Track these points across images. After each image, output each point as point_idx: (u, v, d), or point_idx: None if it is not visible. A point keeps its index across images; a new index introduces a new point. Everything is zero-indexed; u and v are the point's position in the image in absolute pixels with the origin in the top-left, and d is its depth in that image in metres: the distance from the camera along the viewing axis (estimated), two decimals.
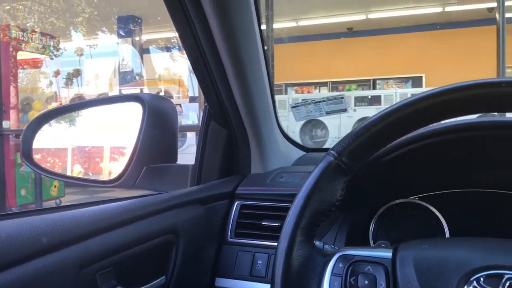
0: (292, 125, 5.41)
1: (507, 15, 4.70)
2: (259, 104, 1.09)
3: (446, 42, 8.99)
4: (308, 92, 10.54)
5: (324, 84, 10.45)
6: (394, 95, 7.13)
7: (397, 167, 0.85)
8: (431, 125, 0.66)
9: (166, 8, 0.92)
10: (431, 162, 0.86)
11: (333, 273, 0.59)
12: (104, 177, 1.37)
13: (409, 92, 7.56)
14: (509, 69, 5.45)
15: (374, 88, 9.93)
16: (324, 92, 10.15)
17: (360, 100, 7.14)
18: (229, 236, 1.04)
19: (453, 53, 8.90)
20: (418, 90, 8.22)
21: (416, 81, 9.64)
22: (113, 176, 1.22)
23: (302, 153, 1.42)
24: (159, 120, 1.14)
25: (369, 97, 7.26)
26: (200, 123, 1.22)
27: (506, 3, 4.71)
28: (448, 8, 8.69)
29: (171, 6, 0.92)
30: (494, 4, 4.70)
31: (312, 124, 6.69)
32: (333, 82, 10.31)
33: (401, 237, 0.97)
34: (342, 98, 1.26)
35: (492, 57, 4.63)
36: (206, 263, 1.01)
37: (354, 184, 0.71)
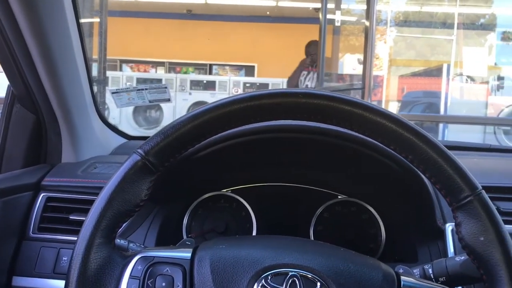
0: None
1: (329, 16, 5.20)
2: (70, 87, 1.01)
3: (277, 35, 9.55)
4: (145, 70, 10.23)
5: (161, 64, 10.25)
6: (228, 81, 7.35)
7: (209, 163, 0.87)
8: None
9: None
10: (240, 158, 0.90)
11: (131, 276, 0.57)
12: None
13: (241, 80, 7.84)
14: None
15: (211, 73, 10.09)
16: (161, 73, 9.96)
17: (195, 84, 7.20)
18: (31, 231, 0.95)
19: (283, 46, 9.50)
20: (250, 79, 8.62)
21: (249, 70, 10.08)
22: None
23: (123, 140, 1.37)
24: None
25: (205, 81, 7.37)
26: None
27: (328, 5, 5.19)
28: (281, 3, 9.24)
29: None
30: (319, 5, 5.14)
31: (146, 105, 6.53)
32: (170, 63, 10.18)
33: (213, 229, 1.01)
34: (166, 87, 1.25)
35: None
36: (1, 261, 0.91)
37: (166, 179, 0.71)
